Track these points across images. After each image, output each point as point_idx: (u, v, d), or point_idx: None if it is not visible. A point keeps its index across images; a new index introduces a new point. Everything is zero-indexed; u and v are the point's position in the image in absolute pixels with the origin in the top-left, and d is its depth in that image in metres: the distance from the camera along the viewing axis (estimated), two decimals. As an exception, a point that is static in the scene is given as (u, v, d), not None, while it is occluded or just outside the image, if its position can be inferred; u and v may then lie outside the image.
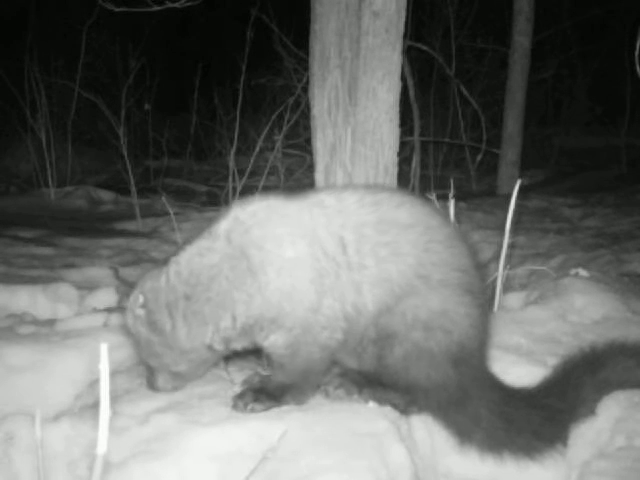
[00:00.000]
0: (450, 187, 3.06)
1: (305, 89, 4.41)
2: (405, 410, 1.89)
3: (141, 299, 1.87)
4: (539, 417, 1.85)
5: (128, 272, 3.60)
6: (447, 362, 1.81)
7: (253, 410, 1.81)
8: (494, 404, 1.85)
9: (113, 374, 2.02)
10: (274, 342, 1.86)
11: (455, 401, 1.83)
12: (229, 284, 1.82)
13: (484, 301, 1.95)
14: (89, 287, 3.20)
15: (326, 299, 1.81)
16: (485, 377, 1.92)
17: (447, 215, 2.80)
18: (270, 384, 1.89)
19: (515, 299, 2.98)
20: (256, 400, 1.83)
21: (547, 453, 1.85)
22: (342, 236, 1.84)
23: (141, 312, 1.87)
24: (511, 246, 3.16)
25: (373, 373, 1.91)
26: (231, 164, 5.21)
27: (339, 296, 1.82)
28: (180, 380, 1.96)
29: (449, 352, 1.80)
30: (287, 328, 1.83)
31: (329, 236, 1.83)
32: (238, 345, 1.92)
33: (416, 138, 5.17)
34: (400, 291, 1.82)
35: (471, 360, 1.85)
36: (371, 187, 2.20)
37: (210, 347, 1.89)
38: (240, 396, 1.85)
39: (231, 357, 2.31)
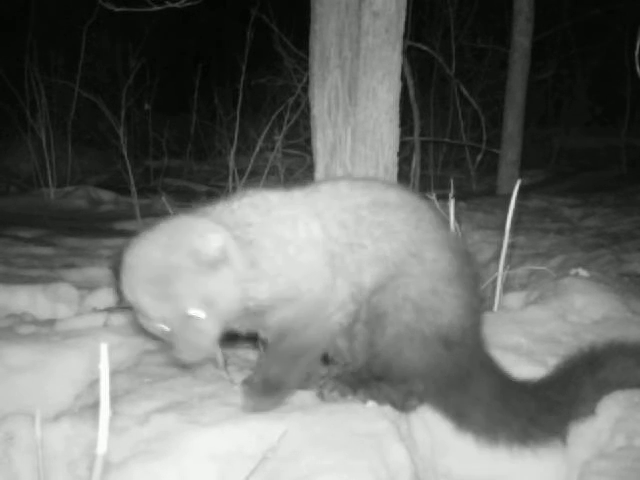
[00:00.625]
0: (450, 187, 3.06)
1: (305, 89, 4.40)
2: (404, 405, 1.89)
3: (220, 240, 1.68)
4: (537, 405, 1.86)
5: (128, 272, 3.59)
6: (438, 342, 1.83)
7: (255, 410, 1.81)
8: (493, 387, 1.88)
9: (113, 374, 2.02)
10: (284, 316, 1.81)
11: (455, 384, 1.85)
12: (249, 263, 1.76)
13: (474, 284, 1.97)
14: (89, 287, 3.19)
15: (338, 279, 1.84)
16: (483, 360, 1.94)
17: (447, 215, 2.81)
18: (256, 376, 1.89)
19: (515, 299, 2.98)
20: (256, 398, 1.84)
21: (543, 442, 1.84)
22: (343, 219, 1.89)
23: (217, 252, 1.64)
24: (511, 246, 3.16)
25: (365, 365, 1.91)
26: (231, 164, 5.20)
27: (347, 276, 1.85)
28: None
29: (439, 333, 1.83)
30: (298, 307, 1.81)
31: (332, 220, 1.88)
32: (238, 325, 1.86)
33: (416, 138, 5.17)
34: (395, 269, 1.85)
35: (465, 340, 1.87)
36: (361, 178, 2.26)
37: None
38: (245, 391, 1.87)
39: (231, 357, 2.31)
